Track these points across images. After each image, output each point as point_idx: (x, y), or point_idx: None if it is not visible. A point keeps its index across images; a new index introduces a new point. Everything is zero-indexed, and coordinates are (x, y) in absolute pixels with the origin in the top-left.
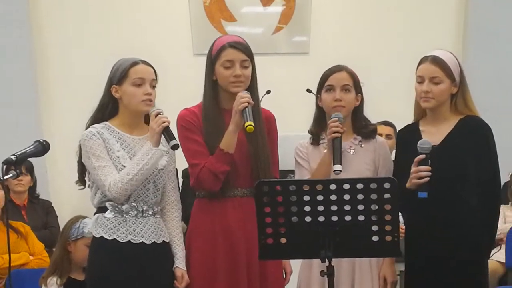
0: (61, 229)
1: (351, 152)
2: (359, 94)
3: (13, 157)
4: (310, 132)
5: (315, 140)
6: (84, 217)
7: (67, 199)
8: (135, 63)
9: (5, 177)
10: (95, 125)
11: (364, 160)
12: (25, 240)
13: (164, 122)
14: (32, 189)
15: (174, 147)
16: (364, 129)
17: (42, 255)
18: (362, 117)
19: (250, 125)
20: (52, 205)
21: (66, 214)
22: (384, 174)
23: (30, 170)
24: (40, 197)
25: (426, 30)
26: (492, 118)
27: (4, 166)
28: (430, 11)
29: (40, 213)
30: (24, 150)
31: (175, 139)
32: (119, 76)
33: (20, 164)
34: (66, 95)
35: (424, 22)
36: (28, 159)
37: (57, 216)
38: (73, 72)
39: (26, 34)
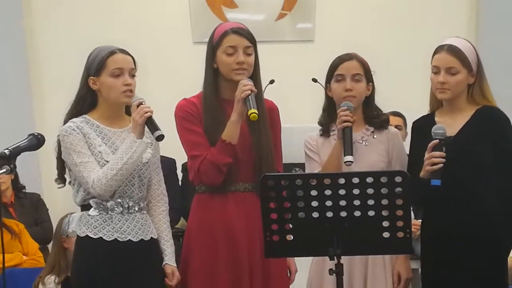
0: (53, 224)
1: (364, 144)
2: (370, 83)
3: (6, 151)
4: (319, 123)
5: (325, 131)
6: (74, 212)
7: (61, 194)
8: (112, 52)
9: None
10: (74, 119)
11: (377, 151)
12: (18, 239)
13: (146, 113)
14: (15, 182)
15: (159, 138)
16: (376, 119)
17: (36, 256)
18: (374, 106)
19: (254, 112)
20: (42, 197)
21: (60, 210)
22: (398, 166)
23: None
24: (30, 191)
25: (437, 16)
26: (509, 107)
27: None
28: None
29: (28, 208)
30: (18, 144)
31: (159, 129)
32: (96, 66)
33: (14, 159)
34: (59, 87)
35: (436, 8)
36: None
37: (47, 209)
38: (66, 64)
39: (19, 24)
